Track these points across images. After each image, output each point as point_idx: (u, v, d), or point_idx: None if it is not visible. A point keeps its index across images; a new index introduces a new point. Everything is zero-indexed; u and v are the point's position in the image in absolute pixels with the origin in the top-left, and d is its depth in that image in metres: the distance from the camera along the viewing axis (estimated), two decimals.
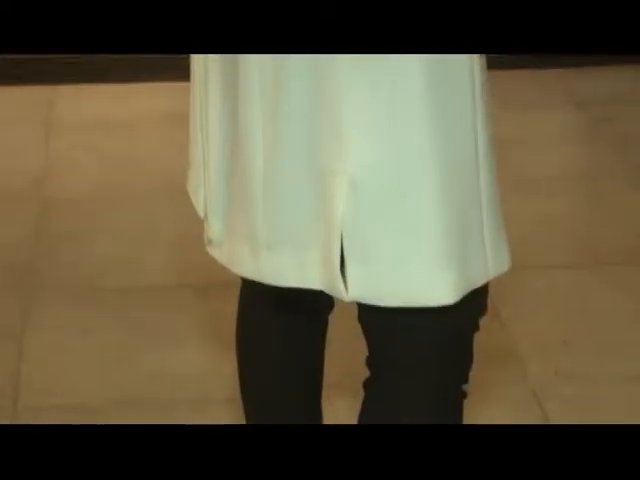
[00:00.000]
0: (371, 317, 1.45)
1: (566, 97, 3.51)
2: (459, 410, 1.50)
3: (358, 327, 1.49)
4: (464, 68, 1.37)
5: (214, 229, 1.51)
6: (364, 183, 1.34)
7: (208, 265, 1.58)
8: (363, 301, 1.39)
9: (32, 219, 2.82)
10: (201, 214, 1.54)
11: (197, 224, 1.57)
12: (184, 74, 1.55)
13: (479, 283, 1.42)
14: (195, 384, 2.20)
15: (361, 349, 1.51)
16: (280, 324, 1.66)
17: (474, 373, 1.51)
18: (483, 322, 1.50)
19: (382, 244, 1.37)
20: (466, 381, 1.51)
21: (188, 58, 1.51)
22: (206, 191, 1.51)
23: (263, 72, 1.37)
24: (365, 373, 1.50)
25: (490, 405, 2.05)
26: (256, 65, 1.37)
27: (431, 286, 1.37)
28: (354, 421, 1.47)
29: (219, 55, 1.43)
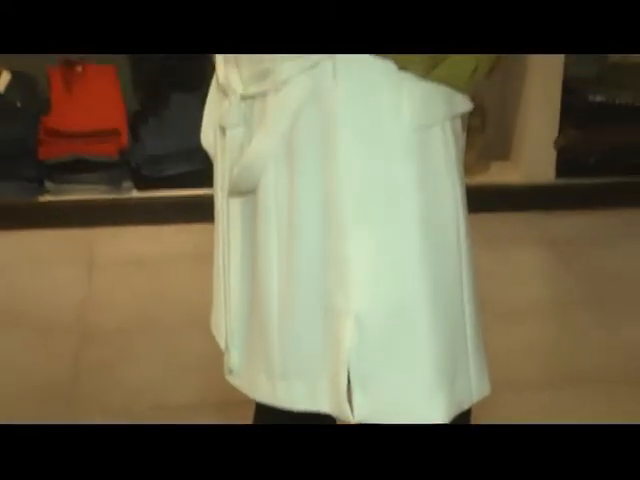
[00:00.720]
0: None
1: (537, 237, 3.53)
2: None
3: None
4: (451, 219, 1.40)
5: (234, 360, 1.51)
6: (367, 322, 1.36)
7: (228, 387, 1.58)
8: (366, 422, 1.40)
9: (74, 348, 2.82)
10: (222, 346, 1.54)
11: (217, 352, 1.57)
12: (210, 216, 1.57)
13: (465, 406, 1.43)
14: None
15: None
16: None
17: None
18: None
19: (384, 375, 1.39)
20: None
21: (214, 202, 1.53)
22: (227, 326, 1.52)
23: (279, 218, 1.39)
24: None
25: None
26: (273, 211, 1.40)
27: (426, 410, 1.39)
28: None
29: (239, 199, 1.46)
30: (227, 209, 1.48)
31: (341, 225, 1.34)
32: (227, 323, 1.52)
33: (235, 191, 1.44)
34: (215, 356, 1.63)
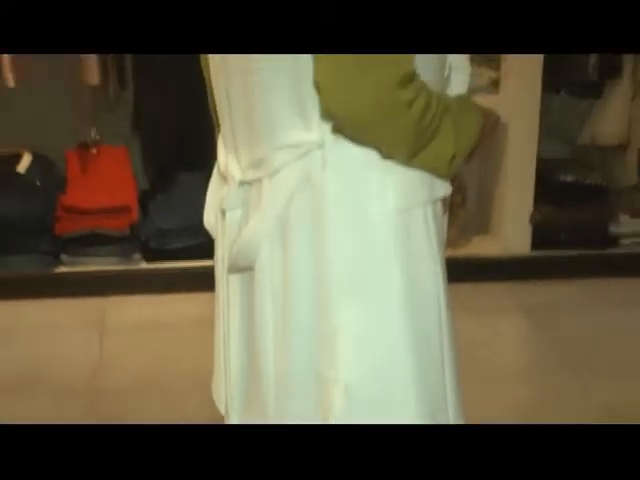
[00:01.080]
0: None
1: (515, 304, 3.53)
2: None
3: None
4: (433, 294, 1.41)
5: (233, 423, 1.51)
6: (355, 391, 1.37)
7: None
8: None
9: (85, 407, 2.80)
10: (222, 411, 1.54)
11: (218, 415, 1.57)
12: (213, 285, 1.58)
13: None
14: None
15: None
16: None
17: None
18: None
19: None
20: None
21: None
22: (227, 392, 1.52)
23: (274, 293, 1.40)
24: None
25: None
26: (269, 287, 1.40)
27: None
28: None
29: (238, 275, 1.46)
30: (227, 284, 1.49)
31: (331, 301, 1.36)
32: (227, 389, 1.52)
33: (234, 268, 1.45)
34: (216, 419, 1.62)
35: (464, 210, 3.72)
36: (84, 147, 3.73)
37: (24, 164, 3.65)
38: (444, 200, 1.46)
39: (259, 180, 1.39)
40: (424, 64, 1.31)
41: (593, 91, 3.69)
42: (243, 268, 1.43)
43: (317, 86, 1.28)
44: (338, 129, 1.32)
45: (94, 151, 3.72)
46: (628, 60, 3.69)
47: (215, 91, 1.47)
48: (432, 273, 1.40)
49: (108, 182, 3.65)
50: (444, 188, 1.42)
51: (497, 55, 3.64)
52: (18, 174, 3.63)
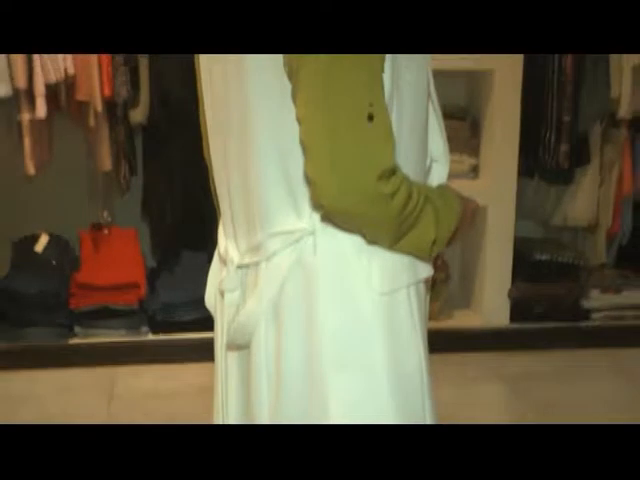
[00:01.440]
0: None
1: (494, 373, 3.53)
2: None
3: None
4: (416, 367, 1.40)
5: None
6: None
7: None
8: None
9: None
10: None
11: None
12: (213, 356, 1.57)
13: None
14: None
15: None
16: None
17: None
18: None
19: None
20: None
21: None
22: None
23: (268, 368, 1.39)
24: None
25: None
26: (264, 363, 1.40)
27: None
28: None
29: (237, 352, 1.46)
30: (225, 359, 1.49)
31: (321, 377, 1.36)
32: None
33: (232, 345, 1.45)
34: None
35: (447, 286, 3.74)
36: (97, 228, 3.76)
37: (41, 244, 3.68)
38: (426, 280, 1.47)
39: (256, 264, 1.40)
40: (406, 158, 1.34)
41: (564, 177, 3.74)
42: (240, 346, 1.44)
43: (308, 180, 1.30)
44: (327, 218, 1.34)
45: (106, 232, 3.75)
46: (595, 148, 3.74)
47: (217, 182, 1.49)
48: (415, 348, 1.40)
49: (118, 260, 3.67)
50: (426, 270, 1.43)
51: (477, 144, 3.70)
52: (36, 253, 3.65)
